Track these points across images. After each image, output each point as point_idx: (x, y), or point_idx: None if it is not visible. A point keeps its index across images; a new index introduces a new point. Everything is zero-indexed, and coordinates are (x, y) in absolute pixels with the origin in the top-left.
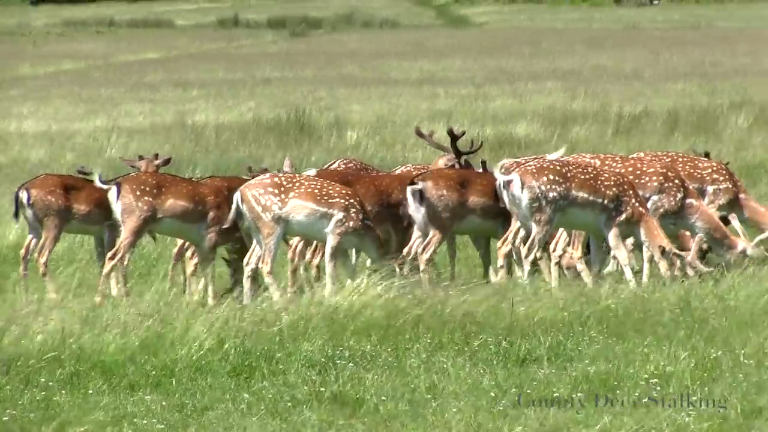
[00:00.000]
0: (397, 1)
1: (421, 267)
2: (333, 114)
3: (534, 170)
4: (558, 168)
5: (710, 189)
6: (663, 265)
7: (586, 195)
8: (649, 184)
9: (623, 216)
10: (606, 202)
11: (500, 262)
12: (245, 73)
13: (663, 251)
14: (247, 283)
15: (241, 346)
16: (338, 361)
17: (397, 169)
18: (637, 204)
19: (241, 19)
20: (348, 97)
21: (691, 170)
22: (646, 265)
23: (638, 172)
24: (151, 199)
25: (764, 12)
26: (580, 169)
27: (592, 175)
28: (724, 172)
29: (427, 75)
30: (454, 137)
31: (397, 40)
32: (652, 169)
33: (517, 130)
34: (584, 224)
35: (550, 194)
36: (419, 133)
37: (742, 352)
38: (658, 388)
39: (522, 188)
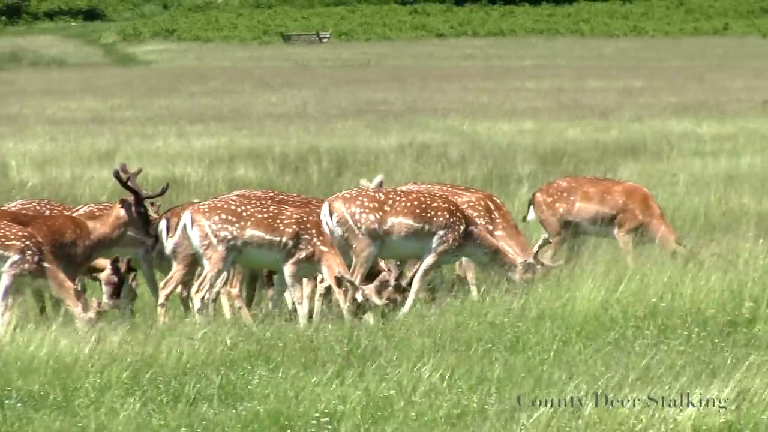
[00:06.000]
0: (65, 39)
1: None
2: None
3: (206, 209)
4: (232, 208)
5: None
6: (341, 299)
7: (262, 234)
8: (435, 219)
9: (303, 254)
10: (284, 240)
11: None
12: None
13: (340, 283)
14: None
15: None
16: (6, 401)
17: (80, 208)
18: (318, 243)
19: None
20: (13, 137)
21: None
22: (306, 303)
23: (424, 206)
24: None
25: (433, 49)
26: (259, 209)
27: (271, 214)
28: (480, 207)
29: (94, 114)
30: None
31: (65, 78)
32: (436, 204)
33: (181, 171)
34: (266, 263)
35: (221, 233)
36: (117, 176)
37: (414, 390)
38: (330, 426)
39: (192, 226)
